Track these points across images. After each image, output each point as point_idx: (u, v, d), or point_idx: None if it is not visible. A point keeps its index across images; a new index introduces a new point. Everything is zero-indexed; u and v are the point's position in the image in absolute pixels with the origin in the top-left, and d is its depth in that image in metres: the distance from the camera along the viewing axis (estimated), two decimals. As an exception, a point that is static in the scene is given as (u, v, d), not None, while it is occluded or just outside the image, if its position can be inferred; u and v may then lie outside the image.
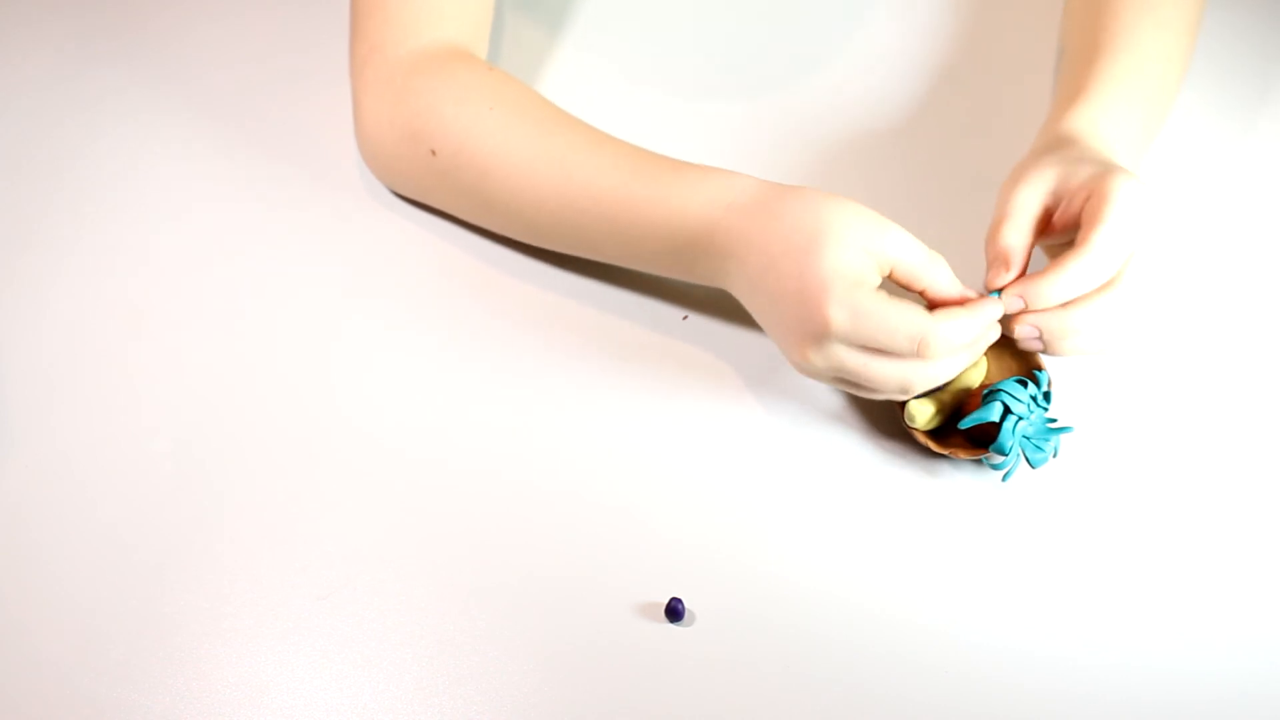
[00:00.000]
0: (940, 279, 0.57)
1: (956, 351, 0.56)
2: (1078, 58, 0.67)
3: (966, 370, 0.60)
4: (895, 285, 0.58)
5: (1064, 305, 0.56)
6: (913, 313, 0.54)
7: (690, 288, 0.68)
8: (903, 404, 0.60)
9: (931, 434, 0.60)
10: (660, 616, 0.58)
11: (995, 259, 0.58)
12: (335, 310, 0.68)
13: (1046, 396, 0.59)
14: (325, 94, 0.76)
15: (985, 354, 0.62)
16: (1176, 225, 0.69)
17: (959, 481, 0.61)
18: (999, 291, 0.57)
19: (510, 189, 0.64)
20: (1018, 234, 0.58)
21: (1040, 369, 0.60)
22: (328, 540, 0.60)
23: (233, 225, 0.71)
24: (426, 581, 0.59)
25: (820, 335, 0.55)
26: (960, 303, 0.57)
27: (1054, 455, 0.58)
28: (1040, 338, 0.57)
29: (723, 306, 0.67)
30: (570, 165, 0.62)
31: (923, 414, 0.59)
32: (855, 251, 0.55)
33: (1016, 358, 0.61)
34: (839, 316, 0.54)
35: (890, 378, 0.56)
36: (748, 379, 0.64)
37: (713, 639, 0.57)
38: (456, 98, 0.65)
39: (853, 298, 0.54)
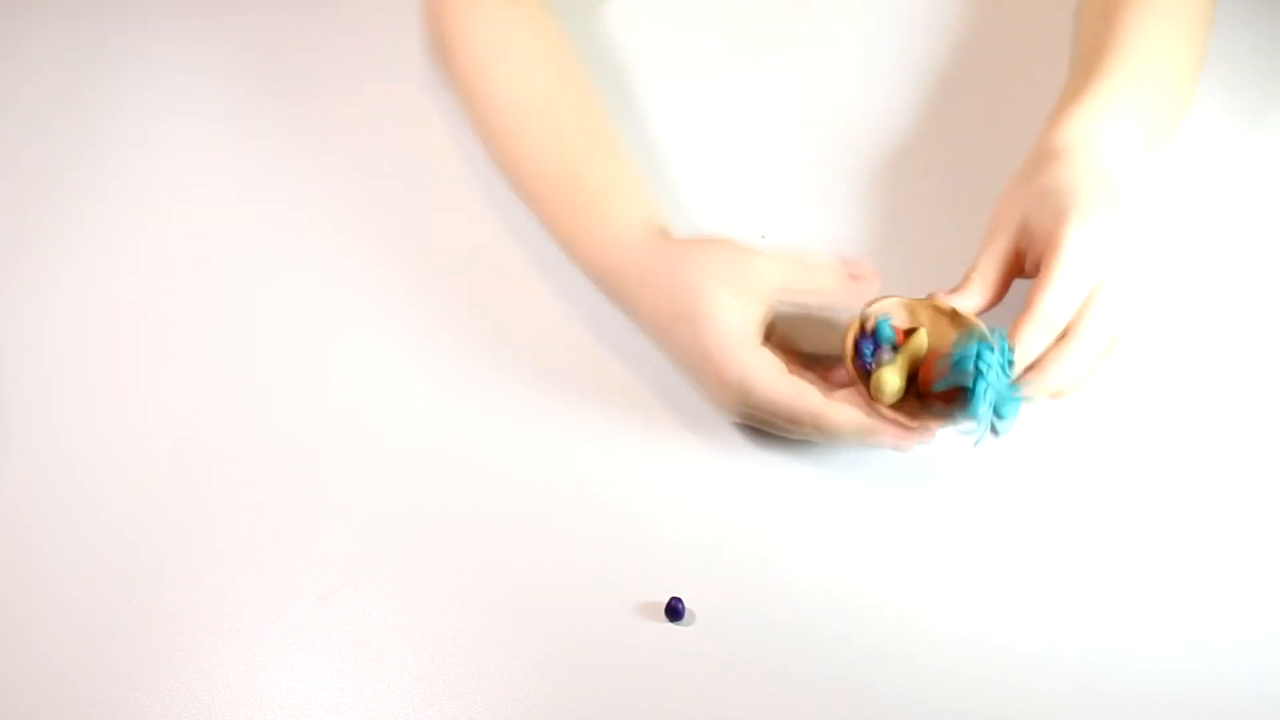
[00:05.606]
0: (822, 283, 0.60)
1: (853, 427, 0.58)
2: (1082, 61, 0.66)
3: (916, 336, 0.59)
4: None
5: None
6: (808, 398, 0.57)
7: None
8: (867, 378, 0.58)
9: (895, 405, 0.58)
10: (660, 616, 0.58)
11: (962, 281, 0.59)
12: (336, 310, 0.68)
13: (1010, 363, 0.57)
14: (327, 96, 0.76)
15: (923, 317, 0.60)
16: (1152, 249, 0.67)
17: (958, 481, 0.61)
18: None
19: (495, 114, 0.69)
20: (983, 275, 0.59)
21: (977, 327, 0.58)
22: (328, 540, 0.60)
23: (232, 226, 0.71)
24: (426, 581, 0.59)
25: (730, 408, 0.60)
26: (846, 289, 0.60)
27: (1015, 416, 0.57)
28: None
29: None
30: (531, 145, 0.67)
31: (891, 385, 0.57)
32: (734, 313, 0.58)
33: (950, 319, 0.59)
34: (736, 406, 0.59)
35: (803, 427, 0.59)
36: (748, 379, 0.64)
37: (713, 639, 0.57)
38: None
39: (747, 380, 0.57)
